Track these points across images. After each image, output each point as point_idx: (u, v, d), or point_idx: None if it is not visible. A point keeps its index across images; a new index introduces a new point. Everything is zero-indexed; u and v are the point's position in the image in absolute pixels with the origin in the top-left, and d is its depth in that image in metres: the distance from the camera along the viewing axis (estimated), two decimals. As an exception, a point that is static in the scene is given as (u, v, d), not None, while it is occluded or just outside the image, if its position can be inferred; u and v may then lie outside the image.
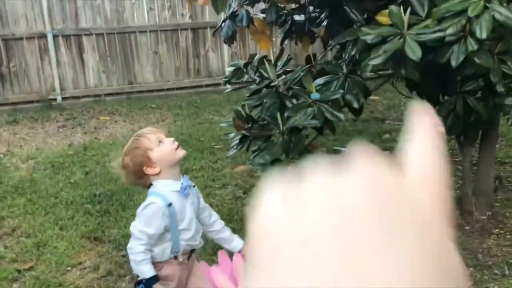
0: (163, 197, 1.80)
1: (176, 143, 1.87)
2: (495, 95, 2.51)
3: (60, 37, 7.29)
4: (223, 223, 2.10)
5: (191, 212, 1.87)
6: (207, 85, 8.00)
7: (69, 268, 2.76)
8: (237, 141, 2.48)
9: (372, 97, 6.61)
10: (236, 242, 2.07)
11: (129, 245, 1.81)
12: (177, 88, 7.93)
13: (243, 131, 2.42)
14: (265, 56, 2.79)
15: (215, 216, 2.07)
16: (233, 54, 8.13)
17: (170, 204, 1.79)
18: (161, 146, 1.83)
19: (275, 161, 2.28)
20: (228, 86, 3.12)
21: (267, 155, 2.33)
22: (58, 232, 3.17)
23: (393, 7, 2.08)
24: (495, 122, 2.98)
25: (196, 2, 2.37)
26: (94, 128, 5.96)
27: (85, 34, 7.41)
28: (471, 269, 2.58)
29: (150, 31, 7.72)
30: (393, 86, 3.23)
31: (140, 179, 1.88)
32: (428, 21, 2.02)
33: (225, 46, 8.00)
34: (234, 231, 3.05)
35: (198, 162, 4.40)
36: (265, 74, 2.59)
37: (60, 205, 3.57)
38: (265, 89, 2.62)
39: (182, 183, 1.84)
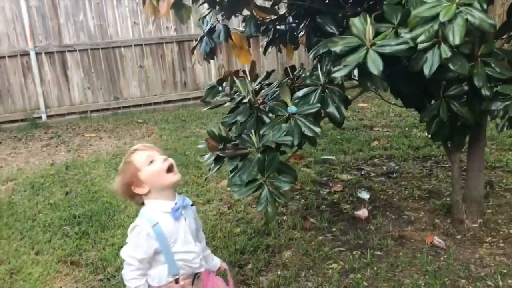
0: (149, 218, 1.71)
1: (167, 164, 1.75)
2: (480, 99, 2.41)
3: (43, 55, 7.19)
4: (205, 241, 2.03)
5: (187, 233, 1.77)
6: (194, 98, 7.90)
7: (42, 296, 2.63)
8: (213, 163, 2.38)
9: (360, 104, 6.55)
10: (216, 260, 2.03)
11: (122, 271, 1.75)
12: (164, 102, 7.83)
13: (217, 152, 2.31)
14: (237, 72, 2.70)
15: (202, 233, 2.00)
16: (220, 66, 8.05)
17: (155, 225, 1.69)
18: (151, 166, 1.73)
19: (250, 182, 2.16)
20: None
21: (243, 175, 2.22)
22: (34, 257, 3.03)
23: (355, 20, 2.01)
24: (482, 126, 2.89)
25: (158, 13, 2.28)
26: (78, 145, 5.84)
27: (68, 51, 7.32)
28: (463, 281, 2.46)
29: (134, 45, 7.63)
30: (377, 93, 3.13)
31: (131, 197, 1.79)
32: (400, 30, 1.94)
33: (212, 58, 7.94)
34: (217, 249, 2.96)
35: (182, 177, 4.28)
36: (239, 91, 2.50)
37: (37, 228, 3.44)
38: (240, 105, 2.52)
39: (176, 203, 1.75)
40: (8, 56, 7.03)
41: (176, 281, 1.75)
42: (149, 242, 1.68)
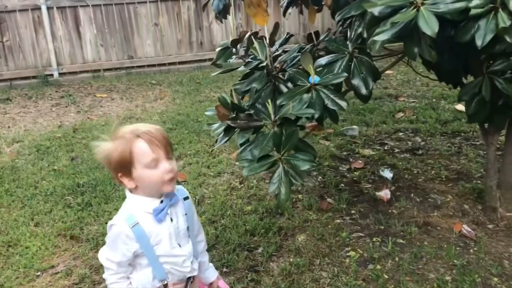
0: (128, 216, 1.45)
1: (169, 177, 1.43)
2: (528, 76, 2.11)
3: (54, 9, 6.91)
4: (206, 245, 1.74)
5: (172, 237, 1.50)
6: (210, 59, 7.55)
7: (38, 274, 2.46)
8: (222, 133, 2.12)
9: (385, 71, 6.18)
10: (210, 272, 1.73)
11: (103, 275, 1.55)
12: (179, 63, 7.54)
13: (228, 122, 2.05)
14: (256, 33, 2.40)
15: (202, 235, 1.71)
16: (239, 25, 7.68)
17: (135, 225, 1.44)
18: (150, 171, 1.41)
19: (263, 158, 1.91)
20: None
21: (255, 150, 1.96)
22: (33, 229, 2.87)
23: None
24: (526, 107, 2.57)
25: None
26: (88, 106, 5.63)
27: (81, 6, 7.02)
28: (496, 279, 2.22)
29: (150, 1, 7.29)
30: (408, 64, 2.82)
31: (115, 178, 1.49)
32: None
33: (230, 17, 7.53)
34: (225, 228, 2.75)
35: (193, 146, 4.06)
36: (256, 54, 2.21)
37: (39, 196, 3.27)
38: (257, 71, 2.24)
39: (161, 201, 1.47)
40: (19, 10, 6.77)
41: (165, 286, 1.52)
42: (128, 244, 1.44)
